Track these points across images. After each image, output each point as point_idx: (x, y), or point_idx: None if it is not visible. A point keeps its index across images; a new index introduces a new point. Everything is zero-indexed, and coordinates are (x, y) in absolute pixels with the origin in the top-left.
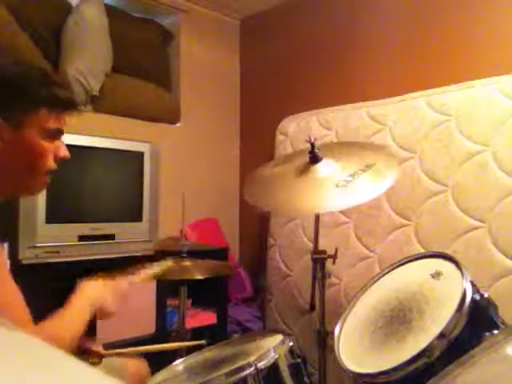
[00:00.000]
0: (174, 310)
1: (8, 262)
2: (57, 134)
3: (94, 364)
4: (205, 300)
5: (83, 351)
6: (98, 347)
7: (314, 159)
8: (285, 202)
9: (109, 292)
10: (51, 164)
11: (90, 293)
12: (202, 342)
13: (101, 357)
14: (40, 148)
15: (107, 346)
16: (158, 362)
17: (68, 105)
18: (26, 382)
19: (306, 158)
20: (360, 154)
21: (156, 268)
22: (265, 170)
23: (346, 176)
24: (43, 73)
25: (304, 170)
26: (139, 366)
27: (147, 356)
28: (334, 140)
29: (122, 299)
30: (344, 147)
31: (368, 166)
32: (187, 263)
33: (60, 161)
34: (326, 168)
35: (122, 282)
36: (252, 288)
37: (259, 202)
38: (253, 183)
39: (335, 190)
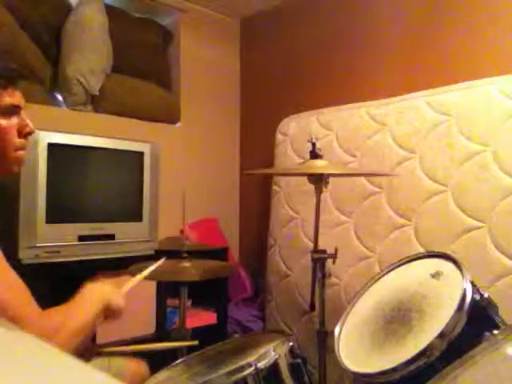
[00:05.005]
0: (173, 310)
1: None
2: (13, 110)
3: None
4: (205, 300)
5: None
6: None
7: (315, 158)
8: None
9: (114, 291)
10: (16, 141)
11: (96, 292)
12: (195, 342)
13: (94, 353)
14: None
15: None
16: (158, 362)
17: (10, 77)
18: (29, 381)
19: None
20: None
21: (150, 268)
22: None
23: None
24: None
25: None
26: (139, 367)
27: (147, 356)
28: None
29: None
30: None
31: None
32: (187, 263)
33: (26, 136)
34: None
35: (124, 282)
36: (252, 288)
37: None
38: None
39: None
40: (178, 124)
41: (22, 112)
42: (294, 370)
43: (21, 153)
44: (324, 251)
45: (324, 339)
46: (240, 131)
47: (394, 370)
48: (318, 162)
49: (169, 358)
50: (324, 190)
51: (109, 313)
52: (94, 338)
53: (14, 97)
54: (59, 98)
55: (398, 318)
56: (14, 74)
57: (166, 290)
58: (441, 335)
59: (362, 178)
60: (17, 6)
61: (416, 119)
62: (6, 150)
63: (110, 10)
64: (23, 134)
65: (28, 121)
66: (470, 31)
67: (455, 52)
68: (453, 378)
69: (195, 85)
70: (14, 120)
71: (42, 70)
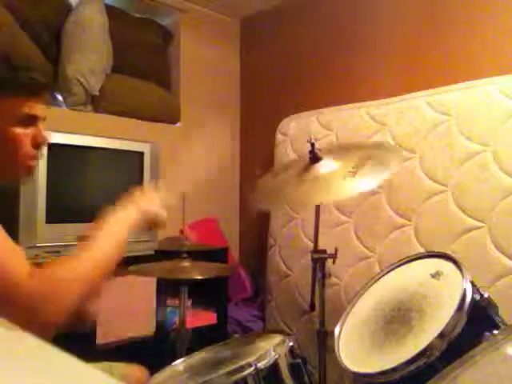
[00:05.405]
0: (174, 310)
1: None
2: (31, 120)
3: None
4: (205, 300)
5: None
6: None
7: (314, 159)
8: (295, 199)
9: (151, 202)
10: (29, 150)
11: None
12: None
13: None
14: (11, 135)
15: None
16: (158, 362)
17: (33, 89)
18: (29, 381)
19: (305, 162)
20: (358, 153)
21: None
22: (266, 180)
23: (350, 169)
24: (4, 57)
25: (306, 171)
26: (141, 372)
27: (147, 356)
28: (334, 140)
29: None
30: (342, 149)
31: (367, 159)
32: (187, 263)
33: (39, 146)
34: (326, 166)
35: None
36: (252, 288)
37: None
38: (260, 193)
39: (343, 181)
40: (178, 124)
41: (41, 123)
42: (294, 370)
43: (31, 162)
44: (324, 251)
45: (324, 339)
46: (240, 131)
47: (393, 369)
48: (319, 167)
49: (169, 358)
50: None
51: (152, 224)
52: (94, 333)
53: (33, 108)
54: (59, 97)
55: (398, 318)
56: (38, 85)
57: (166, 289)
58: (441, 335)
59: None
60: (17, 5)
61: (416, 119)
62: (17, 156)
63: (110, 10)
64: (36, 144)
65: (44, 132)
66: (470, 31)
67: (455, 52)
68: (453, 378)
69: (195, 85)
70: (30, 130)
71: (42, 70)
